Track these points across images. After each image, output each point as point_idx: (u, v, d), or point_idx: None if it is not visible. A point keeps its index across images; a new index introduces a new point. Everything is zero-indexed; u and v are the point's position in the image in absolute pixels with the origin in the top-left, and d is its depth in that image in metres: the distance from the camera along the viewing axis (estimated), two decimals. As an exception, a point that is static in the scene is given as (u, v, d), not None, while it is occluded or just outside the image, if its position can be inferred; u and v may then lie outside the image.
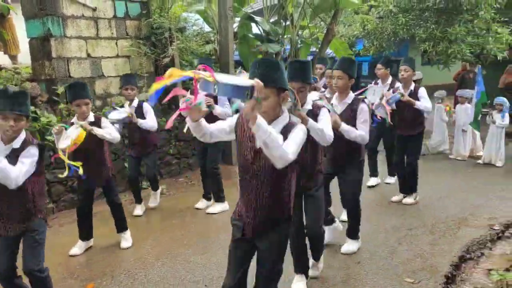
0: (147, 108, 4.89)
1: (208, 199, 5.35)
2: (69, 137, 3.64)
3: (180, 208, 5.36)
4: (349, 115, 3.62)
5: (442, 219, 4.79)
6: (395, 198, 5.40)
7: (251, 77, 2.09)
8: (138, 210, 5.19)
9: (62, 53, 5.48)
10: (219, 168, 5.11)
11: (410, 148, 5.19)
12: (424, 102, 4.92)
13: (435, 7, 7.92)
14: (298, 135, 2.17)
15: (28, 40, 5.57)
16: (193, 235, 4.54)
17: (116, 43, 6.18)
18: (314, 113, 3.05)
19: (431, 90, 8.12)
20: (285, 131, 2.19)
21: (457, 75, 11.44)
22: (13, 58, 6.20)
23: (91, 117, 3.93)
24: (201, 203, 5.34)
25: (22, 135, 2.85)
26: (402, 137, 5.17)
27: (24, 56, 6.46)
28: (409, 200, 5.32)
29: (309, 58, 10.15)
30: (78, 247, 4.14)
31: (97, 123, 3.93)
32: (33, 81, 5.46)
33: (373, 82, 6.00)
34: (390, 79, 5.86)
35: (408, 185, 5.34)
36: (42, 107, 5.29)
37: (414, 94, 4.99)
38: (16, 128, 2.76)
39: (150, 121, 4.85)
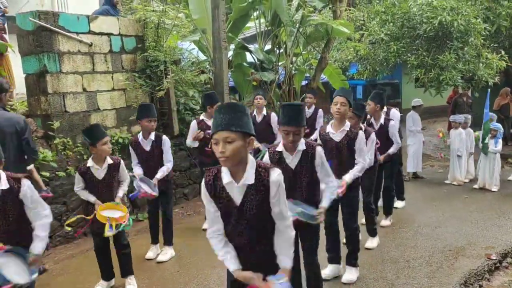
0: (166, 141, 4.63)
1: None
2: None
3: (177, 242, 5.30)
4: (347, 143, 3.79)
5: (439, 249, 4.77)
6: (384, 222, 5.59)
7: (217, 124, 2.08)
8: (151, 252, 4.81)
9: (58, 89, 5.54)
10: None
11: (385, 172, 5.43)
12: (394, 141, 5.28)
13: (425, 35, 8.08)
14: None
15: (24, 76, 5.63)
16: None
17: (112, 77, 6.25)
18: (308, 153, 3.07)
19: (426, 112, 8.26)
20: (259, 178, 2.15)
21: (450, 98, 11.60)
22: (9, 94, 6.24)
23: (109, 160, 3.86)
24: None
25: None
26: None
27: (19, 91, 6.53)
28: (386, 222, 5.59)
29: (304, 83, 10.30)
30: (101, 286, 4.02)
31: (116, 164, 3.91)
32: (29, 116, 5.49)
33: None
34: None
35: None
36: (38, 142, 5.31)
37: (384, 127, 5.27)
38: None
39: (169, 164, 4.62)
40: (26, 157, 4.26)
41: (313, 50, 10.13)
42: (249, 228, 2.20)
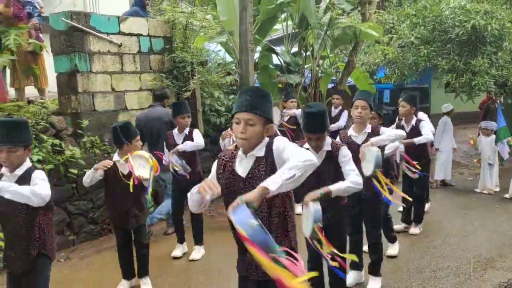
0: (197, 131, 4.91)
1: None
2: (141, 166, 3.70)
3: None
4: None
5: (468, 260, 4.61)
6: (397, 227, 5.39)
7: (242, 104, 2.11)
8: (177, 251, 4.89)
9: (87, 88, 5.66)
10: None
11: (416, 180, 5.23)
12: (423, 134, 5.01)
13: (457, 39, 7.83)
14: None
15: (56, 75, 5.78)
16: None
17: (140, 77, 6.35)
18: (333, 153, 3.07)
19: (455, 118, 8.02)
20: (268, 150, 2.19)
21: (482, 103, 11.22)
22: (42, 92, 6.43)
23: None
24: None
25: (26, 164, 2.83)
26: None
27: (50, 89, 6.71)
28: (415, 230, 5.40)
29: (330, 86, 10.18)
30: (123, 286, 4.07)
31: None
32: (60, 114, 5.63)
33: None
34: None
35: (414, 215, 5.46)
36: (67, 140, 5.43)
37: (416, 128, 5.11)
38: (9, 160, 2.74)
39: (198, 142, 4.72)
40: None
41: (340, 53, 10.02)
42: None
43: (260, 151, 2.19)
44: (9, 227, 2.83)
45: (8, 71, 6.24)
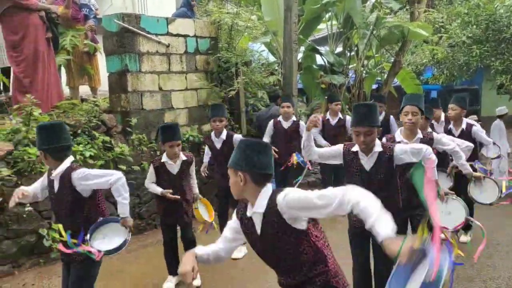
0: (237, 139, 4.58)
1: None
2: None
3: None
4: None
5: (521, 271, 4.39)
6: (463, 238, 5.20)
7: (239, 158, 2.08)
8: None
9: (137, 87, 5.86)
10: None
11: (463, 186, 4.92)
12: (486, 143, 4.83)
13: (512, 39, 7.50)
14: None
15: (108, 74, 6.02)
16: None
17: (186, 77, 6.49)
18: (386, 154, 2.94)
19: (507, 121, 7.64)
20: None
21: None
22: (94, 90, 6.72)
23: (183, 157, 4.02)
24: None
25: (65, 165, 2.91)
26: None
27: (101, 88, 6.99)
28: (466, 238, 5.17)
29: (374, 87, 9.98)
30: (170, 281, 4.15)
31: (189, 162, 4.07)
32: (110, 112, 5.86)
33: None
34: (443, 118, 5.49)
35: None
36: (116, 137, 5.65)
37: (466, 132, 4.85)
38: (47, 163, 2.94)
39: None
40: None
41: (385, 53, 9.80)
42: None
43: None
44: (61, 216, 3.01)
45: (63, 70, 6.57)
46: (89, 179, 2.88)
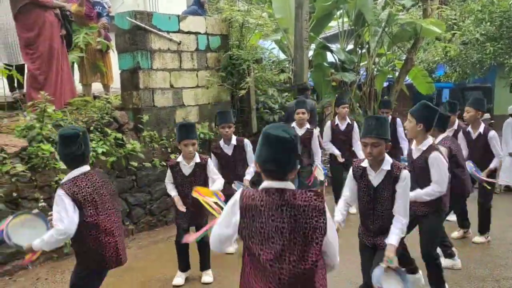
0: (248, 144, 4.74)
1: None
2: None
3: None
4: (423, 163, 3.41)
5: (535, 271, 4.33)
6: (456, 234, 5.16)
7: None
8: (231, 248, 4.60)
9: (148, 84, 5.89)
10: None
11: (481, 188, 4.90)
12: (495, 154, 4.77)
13: (527, 36, 7.38)
14: None
15: (120, 72, 6.06)
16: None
17: (197, 74, 6.51)
18: (393, 174, 2.88)
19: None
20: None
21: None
22: (106, 88, 6.78)
23: (197, 158, 3.97)
24: None
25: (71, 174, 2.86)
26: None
27: (113, 86, 7.04)
28: (481, 239, 5.06)
29: (385, 84, 9.90)
30: (180, 277, 4.18)
31: (202, 164, 4.00)
32: (122, 109, 5.90)
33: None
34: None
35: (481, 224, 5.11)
36: (128, 134, 5.69)
37: (483, 136, 4.79)
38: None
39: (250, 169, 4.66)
40: None
41: (397, 51, 9.71)
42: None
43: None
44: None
45: (76, 67, 6.63)
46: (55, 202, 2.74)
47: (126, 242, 5.26)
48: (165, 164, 5.68)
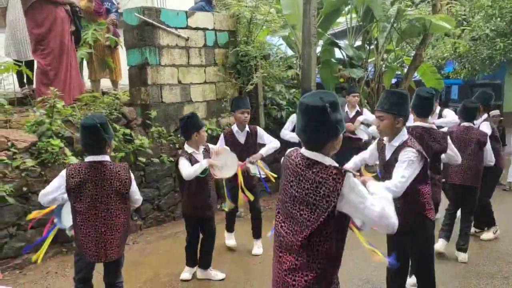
0: (261, 129, 4.82)
1: None
2: (226, 166, 4.04)
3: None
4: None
5: (544, 269, 4.29)
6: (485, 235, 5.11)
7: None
8: (232, 241, 4.98)
9: (156, 80, 5.91)
10: None
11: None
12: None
13: (538, 31, 7.29)
14: None
15: (128, 68, 6.08)
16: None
17: (205, 70, 6.52)
18: (399, 151, 2.86)
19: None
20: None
21: None
22: (115, 84, 6.81)
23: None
24: None
25: None
26: None
27: (122, 82, 7.08)
28: (488, 235, 5.07)
29: (394, 81, 9.83)
30: (187, 272, 4.21)
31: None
32: (130, 105, 5.93)
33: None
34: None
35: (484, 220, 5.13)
36: (136, 130, 5.72)
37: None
38: None
39: (273, 142, 4.72)
40: None
41: (406, 47, 9.63)
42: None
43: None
44: None
45: (85, 63, 6.67)
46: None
47: (134, 237, 5.34)
48: (172, 160, 5.70)
